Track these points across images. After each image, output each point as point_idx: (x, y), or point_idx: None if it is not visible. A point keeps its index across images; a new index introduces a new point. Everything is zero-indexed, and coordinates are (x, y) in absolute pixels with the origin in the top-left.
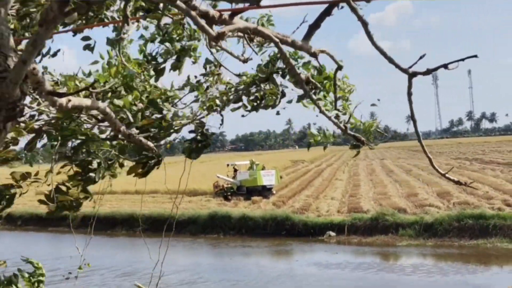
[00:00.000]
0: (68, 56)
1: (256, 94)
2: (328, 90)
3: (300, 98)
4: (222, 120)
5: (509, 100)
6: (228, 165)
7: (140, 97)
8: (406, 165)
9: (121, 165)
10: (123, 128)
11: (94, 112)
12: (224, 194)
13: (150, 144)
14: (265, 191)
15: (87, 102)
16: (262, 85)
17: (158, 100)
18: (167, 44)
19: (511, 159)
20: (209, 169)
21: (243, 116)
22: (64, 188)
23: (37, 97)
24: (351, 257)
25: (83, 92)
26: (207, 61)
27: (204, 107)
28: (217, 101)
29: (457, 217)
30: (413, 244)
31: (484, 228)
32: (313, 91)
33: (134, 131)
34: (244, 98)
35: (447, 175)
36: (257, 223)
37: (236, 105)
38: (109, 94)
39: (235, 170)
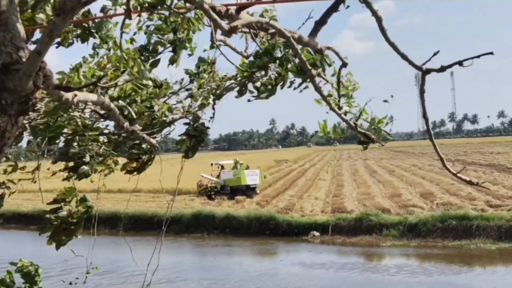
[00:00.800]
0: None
1: (260, 81)
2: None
3: (302, 81)
4: (214, 114)
5: (491, 102)
6: (212, 164)
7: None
8: (389, 165)
9: (115, 163)
10: (126, 124)
11: (97, 107)
12: (207, 193)
13: (153, 141)
14: (249, 191)
15: (93, 97)
16: (258, 74)
17: (151, 96)
18: (160, 35)
19: (492, 160)
20: (192, 168)
21: (249, 100)
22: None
23: None
24: (335, 257)
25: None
26: (201, 60)
27: (197, 102)
28: (210, 97)
29: (440, 218)
30: (397, 244)
31: (468, 228)
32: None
33: (137, 127)
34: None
35: (458, 174)
36: (241, 223)
37: (237, 93)
38: (116, 90)
39: (222, 168)
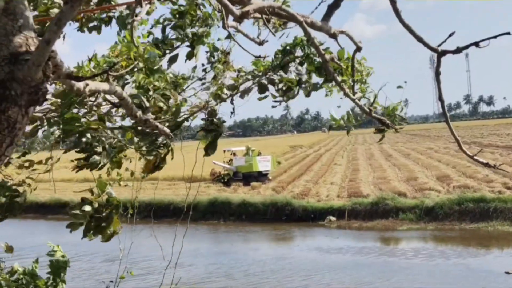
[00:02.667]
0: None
1: (281, 84)
2: (346, 73)
3: (325, 82)
4: (234, 109)
5: (507, 83)
6: (224, 151)
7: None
8: (405, 149)
9: (121, 158)
10: (139, 113)
11: (109, 96)
12: (221, 180)
13: (166, 129)
14: (261, 177)
15: (105, 86)
16: (277, 74)
17: (166, 87)
18: (179, 29)
19: (509, 142)
20: (210, 156)
21: (273, 107)
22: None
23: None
24: (352, 242)
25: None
26: (214, 49)
27: (212, 95)
28: (225, 90)
29: (457, 201)
30: (414, 228)
31: (485, 211)
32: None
33: (150, 116)
34: (271, 87)
35: (475, 157)
36: (257, 209)
37: (263, 95)
38: (131, 81)
39: (234, 154)
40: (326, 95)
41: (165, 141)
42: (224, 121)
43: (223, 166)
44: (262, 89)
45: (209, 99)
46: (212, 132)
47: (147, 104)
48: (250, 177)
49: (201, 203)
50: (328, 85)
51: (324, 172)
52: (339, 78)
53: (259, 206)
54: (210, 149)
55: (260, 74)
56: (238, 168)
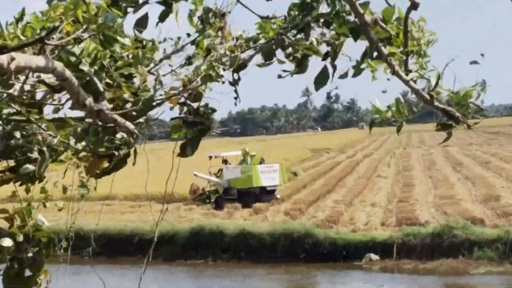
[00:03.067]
0: None
1: (294, 52)
2: (395, 42)
3: (365, 55)
4: (236, 92)
5: None
6: (210, 157)
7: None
8: (482, 154)
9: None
10: (89, 101)
11: (47, 76)
12: (205, 200)
13: (130, 125)
14: (264, 195)
15: (39, 61)
16: (292, 38)
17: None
18: None
19: None
20: (188, 163)
21: (280, 77)
22: None
23: None
24: None
25: (32, 47)
26: (207, 10)
27: (198, 73)
28: (220, 66)
29: None
30: (495, 271)
31: None
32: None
33: (106, 105)
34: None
35: None
36: (262, 242)
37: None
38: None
39: (226, 162)
40: (357, 72)
41: (126, 140)
42: (213, 110)
43: (208, 179)
44: (268, 55)
45: (193, 78)
46: (194, 126)
47: (101, 88)
48: (249, 196)
49: (180, 233)
50: (368, 60)
51: (361, 189)
52: (385, 50)
53: (265, 238)
54: (189, 147)
55: (269, 40)
56: (232, 182)
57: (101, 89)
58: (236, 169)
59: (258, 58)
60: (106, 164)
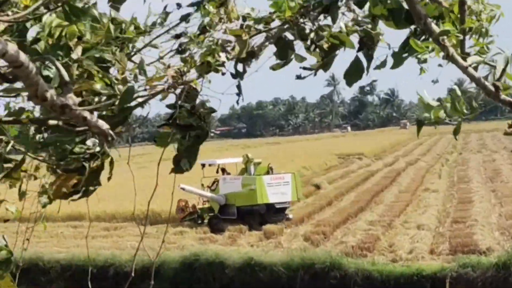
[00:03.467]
0: None
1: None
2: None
3: (408, 41)
4: (239, 87)
5: None
6: (203, 165)
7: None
8: None
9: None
10: (51, 93)
11: None
12: (196, 221)
13: (103, 124)
14: (272, 215)
15: None
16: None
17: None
18: None
19: None
20: (179, 175)
21: (299, 78)
22: None
23: None
24: None
25: None
26: None
27: (192, 63)
28: (220, 54)
29: None
30: None
31: None
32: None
33: (72, 99)
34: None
35: None
36: (275, 276)
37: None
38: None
39: (223, 171)
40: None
41: (98, 147)
42: (212, 110)
43: (199, 194)
44: (284, 48)
45: (184, 69)
46: (189, 131)
47: (66, 76)
48: (252, 215)
49: (169, 264)
50: (416, 42)
51: (404, 206)
52: (436, 27)
53: (279, 270)
54: (186, 158)
55: (284, 23)
56: (230, 197)
57: (66, 78)
58: (236, 181)
59: (272, 48)
60: (74, 180)
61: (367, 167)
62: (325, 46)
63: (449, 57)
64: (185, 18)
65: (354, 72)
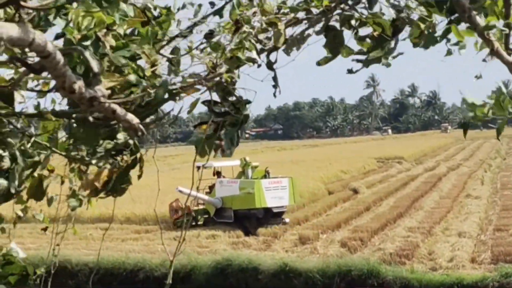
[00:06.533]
0: None
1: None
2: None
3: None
4: (275, 79)
5: None
6: (198, 167)
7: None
8: None
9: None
10: (79, 85)
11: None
12: (192, 223)
13: (133, 118)
14: (269, 219)
15: (11, 30)
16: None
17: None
18: None
19: None
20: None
21: (351, 72)
22: None
23: None
24: None
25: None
26: None
27: (222, 56)
28: (253, 47)
29: None
30: None
31: None
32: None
33: (101, 91)
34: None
35: None
36: (311, 283)
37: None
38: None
39: (218, 174)
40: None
41: (128, 141)
42: (248, 102)
43: (196, 196)
44: (334, 39)
45: (217, 61)
46: (224, 116)
47: (96, 68)
48: (249, 219)
49: (200, 269)
50: (457, 28)
51: (445, 213)
52: (481, 20)
53: (314, 277)
54: (226, 143)
55: (324, 11)
56: (226, 201)
57: (95, 70)
58: (233, 184)
59: (314, 37)
60: (105, 177)
61: (407, 172)
62: (375, 34)
63: (493, 52)
64: (218, 12)
65: (335, 42)
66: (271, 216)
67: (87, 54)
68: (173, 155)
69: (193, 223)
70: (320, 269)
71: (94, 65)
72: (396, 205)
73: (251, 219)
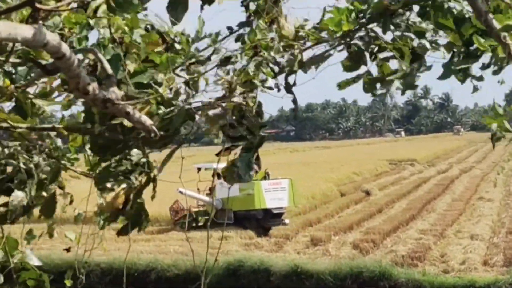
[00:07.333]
0: None
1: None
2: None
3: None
4: (295, 102)
5: None
6: (198, 169)
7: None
8: None
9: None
10: (93, 86)
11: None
12: (192, 223)
13: (146, 119)
14: (268, 220)
15: (26, 32)
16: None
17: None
18: None
19: None
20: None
21: (374, 95)
22: None
23: None
24: None
25: (18, 13)
26: None
27: (239, 75)
28: (266, 70)
29: None
30: None
31: None
32: None
33: (115, 93)
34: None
35: None
36: (322, 284)
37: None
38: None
39: (218, 176)
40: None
41: (141, 160)
42: (263, 125)
43: (197, 197)
44: (356, 60)
45: (234, 85)
46: (239, 141)
47: (109, 69)
48: (249, 220)
49: (212, 270)
50: (479, 39)
51: (457, 215)
52: (497, 24)
53: (326, 278)
54: (241, 168)
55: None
56: (227, 202)
57: (109, 71)
58: (233, 186)
59: (337, 56)
60: (123, 198)
61: (419, 174)
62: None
63: (510, 56)
64: (238, 39)
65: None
66: (270, 217)
67: (100, 55)
68: (186, 156)
69: (194, 224)
70: (332, 271)
71: (107, 66)
72: (409, 207)
73: (250, 220)
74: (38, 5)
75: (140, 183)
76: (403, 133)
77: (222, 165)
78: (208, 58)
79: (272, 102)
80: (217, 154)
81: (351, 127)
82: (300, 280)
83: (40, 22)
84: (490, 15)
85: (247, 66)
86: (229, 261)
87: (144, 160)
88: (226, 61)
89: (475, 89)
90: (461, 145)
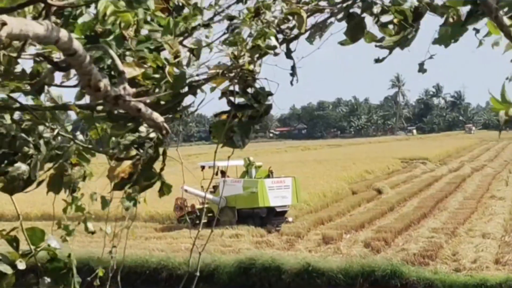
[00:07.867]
0: None
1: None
2: None
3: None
4: (294, 67)
5: None
6: (203, 167)
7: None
8: None
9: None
10: (105, 83)
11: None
12: (195, 221)
13: (158, 116)
14: (272, 218)
15: (38, 28)
16: None
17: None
18: None
19: None
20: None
21: (378, 61)
22: None
23: None
24: None
25: (31, 8)
26: None
27: (243, 46)
28: (271, 38)
29: None
30: None
31: None
32: None
33: (127, 90)
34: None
35: None
36: (333, 283)
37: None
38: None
39: (222, 174)
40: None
41: (152, 136)
42: (269, 94)
43: (200, 195)
44: (356, 26)
45: (239, 52)
46: (244, 109)
47: (121, 66)
48: (253, 218)
49: (224, 268)
50: (493, 24)
51: (469, 213)
52: (507, 20)
53: (337, 277)
54: (239, 135)
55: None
56: (230, 200)
57: (121, 68)
58: (237, 184)
59: (337, 25)
60: (129, 169)
61: (431, 172)
62: (395, 20)
63: None
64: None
65: (356, 29)
66: (274, 215)
67: (112, 52)
68: (197, 154)
69: (197, 222)
70: (343, 269)
71: (119, 63)
72: (420, 205)
73: (254, 218)
74: (50, 1)
75: (148, 156)
76: (415, 131)
77: (226, 163)
78: (211, 19)
79: (284, 101)
80: (216, 115)
81: (363, 125)
82: (312, 278)
83: (52, 16)
84: (501, 12)
85: (251, 29)
86: (241, 259)
87: (153, 134)
88: (230, 21)
89: (480, 43)
90: (473, 144)
